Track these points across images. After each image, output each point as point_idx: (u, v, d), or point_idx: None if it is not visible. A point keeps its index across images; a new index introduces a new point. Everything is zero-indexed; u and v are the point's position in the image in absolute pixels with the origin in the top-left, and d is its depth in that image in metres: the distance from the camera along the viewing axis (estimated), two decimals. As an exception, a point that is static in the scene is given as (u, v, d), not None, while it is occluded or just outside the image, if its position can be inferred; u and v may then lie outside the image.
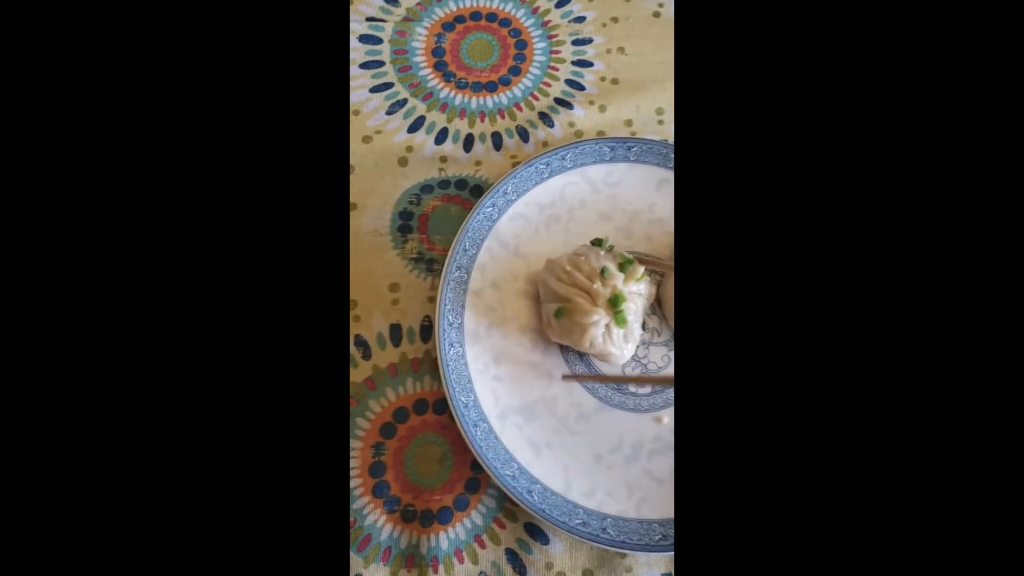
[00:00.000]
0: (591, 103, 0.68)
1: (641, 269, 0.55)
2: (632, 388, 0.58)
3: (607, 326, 0.54)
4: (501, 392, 0.56)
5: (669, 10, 0.74)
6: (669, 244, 0.62)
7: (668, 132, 0.69)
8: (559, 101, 0.67)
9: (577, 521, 0.52)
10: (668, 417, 0.57)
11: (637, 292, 0.56)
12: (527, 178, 0.60)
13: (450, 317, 0.56)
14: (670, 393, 0.58)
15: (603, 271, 0.53)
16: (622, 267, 0.54)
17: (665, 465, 0.56)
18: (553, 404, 0.56)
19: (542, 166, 0.60)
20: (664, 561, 0.53)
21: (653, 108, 0.69)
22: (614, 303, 0.53)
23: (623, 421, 0.57)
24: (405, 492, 0.53)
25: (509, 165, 0.63)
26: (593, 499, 0.53)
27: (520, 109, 0.67)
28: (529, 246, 0.60)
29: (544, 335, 0.57)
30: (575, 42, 0.71)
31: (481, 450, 0.52)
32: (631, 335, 0.55)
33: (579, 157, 0.62)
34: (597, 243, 0.57)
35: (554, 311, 0.54)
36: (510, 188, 0.59)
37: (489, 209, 0.58)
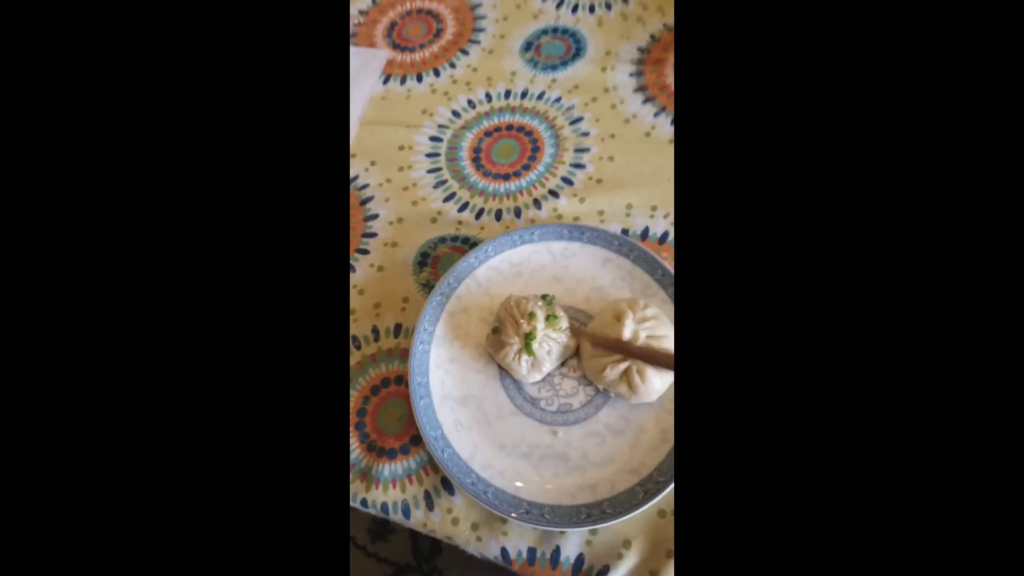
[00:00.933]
0: (574, 195, 0.91)
1: (564, 323, 0.76)
2: (543, 404, 0.78)
3: (518, 351, 0.75)
4: (447, 382, 0.80)
5: (659, 132, 0.94)
6: (602, 308, 0.81)
7: (632, 223, 0.88)
8: (551, 192, 0.92)
9: (469, 481, 0.73)
10: (562, 432, 0.76)
11: (555, 339, 0.76)
12: (504, 243, 0.85)
13: (427, 324, 0.82)
14: (568, 416, 0.77)
15: (531, 315, 0.76)
16: (549, 318, 0.76)
17: (548, 470, 0.74)
18: (482, 400, 0.79)
19: (517, 237, 0.85)
20: (532, 533, 0.71)
21: (623, 203, 0.89)
22: (527, 337, 0.75)
23: (528, 426, 0.77)
24: (374, 432, 0.79)
25: (502, 233, 0.88)
26: (487, 471, 0.74)
27: (522, 195, 0.92)
28: (497, 289, 0.84)
29: (489, 356, 0.81)
30: (577, 150, 0.95)
31: (421, 417, 0.76)
32: (539, 366, 0.76)
33: (545, 234, 0.85)
34: (544, 297, 0.79)
35: (492, 328, 0.78)
36: (491, 248, 0.85)
37: (472, 260, 0.84)
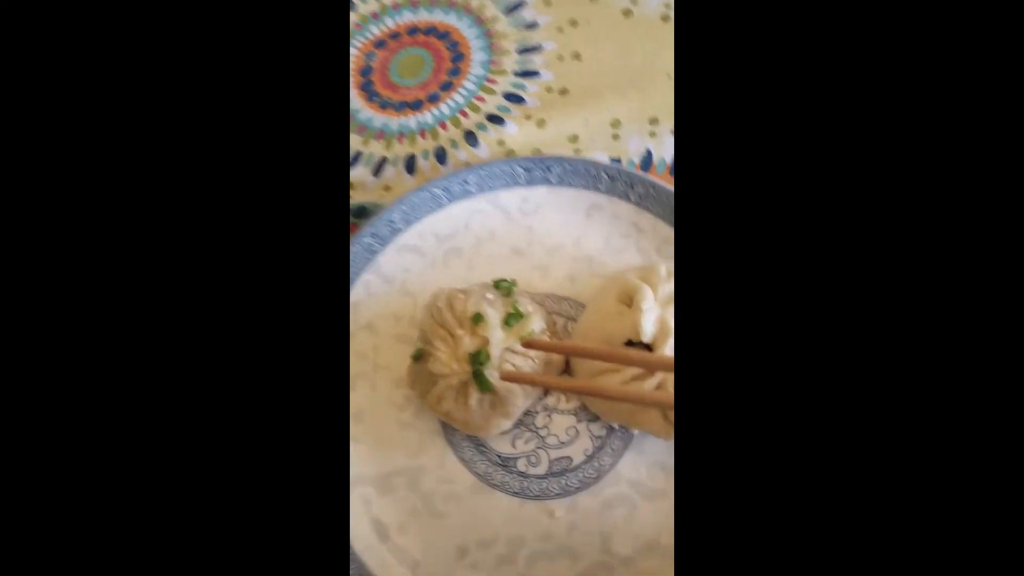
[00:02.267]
0: (528, 118, 0.58)
1: (537, 324, 0.44)
2: (522, 467, 0.46)
3: (463, 384, 0.43)
4: (354, 456, 0.47)
5: (644, 8, 0.62)
6: (598, 290, 0.49)
7: (624, 149, 0.56)
8: (491, 118, 0.59)
9: (408, 635, 0.41)
10: (563, 510, 0.44)
11: (527, 354, 0.44)
12: (419, 205, 0.52)
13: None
14: (570, 479, 0.45)
15: (476, 318, 0.43)
16: (509, 319, 0.44)
17: (549, 573, 0.42)
18: (417, 476, 0.46)
19: (439, 191, 0.52)
20: None
21: (607, 120, 0.57)
22: (473, 359, 0.42)
23: (504, 509, 0.45)
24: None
25: (416, 188, 0.55)
26: (440, 608, 0.42)
27: (444, 128, 0.59)
28: (420, 283, 0.51)
29: (423, 390, 0.48)
30: (521, 51, 0.62)
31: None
32: (503, 404, 0.43)
33: (486, 181, 0.52)
34: (497, 285, 0.47)
35: (414, 352, 0.45)
36: (397, 216, 0.51)
37: (368, 240, 0.51)
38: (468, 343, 0.42)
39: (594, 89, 0.59)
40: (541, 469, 0.45)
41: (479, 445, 0.47)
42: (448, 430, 0.47)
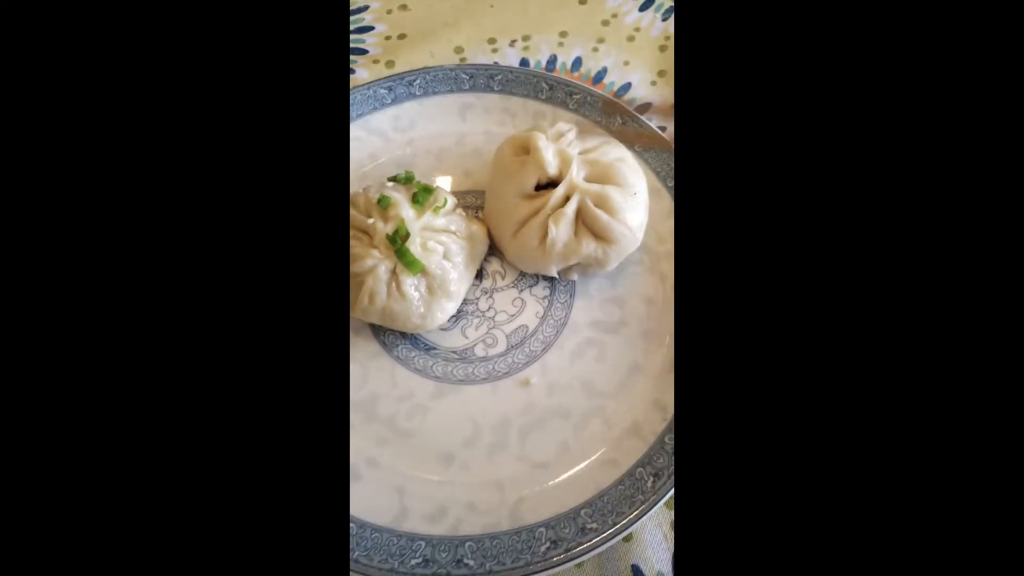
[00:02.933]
0: (375, 62, 0.59)
1: (447, 198, 0.42)
2: (480, 351, 0.42)
3: (392, 274, 0.39)
4: None
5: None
6: (492, 165, 0.49)
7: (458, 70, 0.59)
8: (338, 72, 0.59)
9: (415, 561, 0.34)
10: (537, 376, 0.41)
11: (446, 229, 0.42)
12: (289, 146, 0.49)
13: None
14: (532, 344, 0.42)
15: (381, 200, 0.40)
16: (416, 197, 0.41)
17: (545, 441, 0.39)
18: (372, 405, 0.40)
19: (306, 128, 0.50)
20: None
21: (451, 48, 0.60)
22: (392, 238, 0.39)
23: (476, 399, 0.40)
24: None
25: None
26: (443, 521, 0.36)
27: (294, 92, 0.58)
28: (313, 223, 0.48)
29: (351, 319, 0.43)
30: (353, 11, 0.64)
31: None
32: (442, 286, 0.40)
33: (353, 108, 0.51)
34: (393, 179, 0.45)
35: None
36: None
37: None
38: (382, 227, 0.39)
39: (429, 28, 0.62)
40: (500, 347, 0.42)
41: (429, 349, 0.42)
42: (390, 346, 0.42)
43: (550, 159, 0.41)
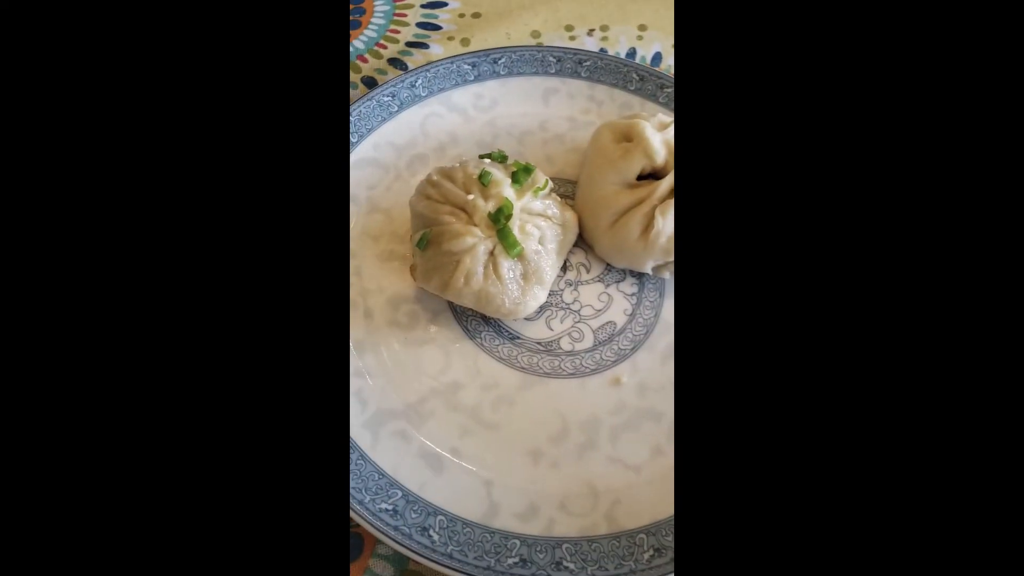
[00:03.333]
0: (450, 39, 0.57)
1: (545, 179, 0.40)
2: (566, 344, 0.40)
3: (491, 255, 0.37)
4: (369, 392, 0.38)
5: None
6: (577, 162, 0.47)
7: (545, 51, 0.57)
8: (412, 44, 0.56)
9: (512, 560, 0.32)
10: (627, 375, 0.39)
11: (543, 214, 0.40)
12: (369, 115, 0.46)
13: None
14: (621, 341, 0.41)
15: (482, 176, 0.38)
16: (516, 176, 0.39)
17: (637, 444, 0.37)
18: (455, 393, 0.38)
19: (387, 98, 0.47)
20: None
21: (527, 31, 0.58)
22: (496, 217, 0.37)
23: (563, 394, 0.38)
24: None
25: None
26: (535, 521, 0.34)
27: (365, 61, 0.55)
28: (389, 197, 0.45)
29: (430, 300, 0.41)
30: (422, -12, 0.61)
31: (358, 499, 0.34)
32: (536, 272, 0.38)
33: (434, 82, 0.49)
34: (485, 156, 0.42)
35: (416, 241, 0.38)
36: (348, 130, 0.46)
37: None
38: (483, 205, 0.37)
39: (505, 10, 0.60)
40: (587, 342, 0.40)
41: (513, 338, 0.40)
42: (472, 332, 0.40)
43: (658, 147, 0.39)
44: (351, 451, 0.35)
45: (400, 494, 0.33)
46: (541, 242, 0.39)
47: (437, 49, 0.56)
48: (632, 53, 0.57)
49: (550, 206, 0.40)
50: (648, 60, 0.56)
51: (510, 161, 0.41)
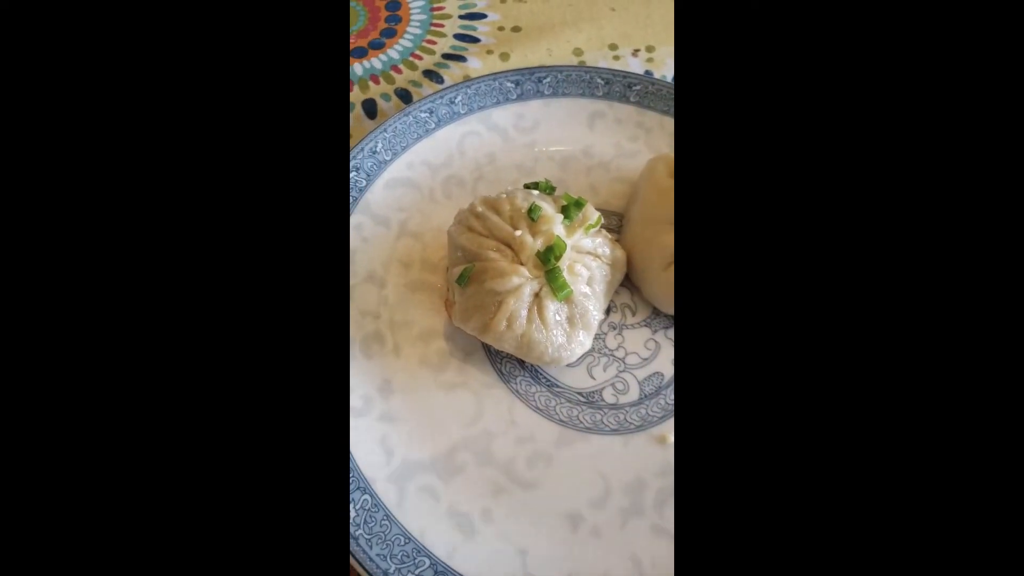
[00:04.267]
0: (489, 53, 0.54)
1: (598, 215, 0.37)
2: (610, 396, 0.37)
3: (536, 297, 0.34)
4: (395, 439, 0.34)
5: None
6: (623, 193, 0.44)
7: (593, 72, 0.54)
8: (448, 56, 0.53)
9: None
10: (675, 433, 0.36)
11: (593, 252, 0.37)
12: (404, 132, 0.43)
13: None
14: (669, 395, 0.37)
15: (532, 210, 0.35)
16: (566, 211, 0.36)
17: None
18: (487, 444, 0.35)
19: (424, 115, 0.44)
20: None
21: (569, 48, 0.55)
22: (546, 256, 0.34)
23: (606, 452, 0.35)
24: None
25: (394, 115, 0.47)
26: (575, 598, 0.31)
27: (399, 71, 0.52)
28: (422, 221, 0.42)
29: (462, 338, 0.38)
30: (461, -3, 0.58)
31: (362, 544, 0.30)
32: (583, 316, 0.35)
33: (474, 99, 0.46)
34: (532, 186, 0.39)
35: (457, 275, 0.35)
36: (380, 146, 0.42)
37: (352, 175, 0.41)
38: (531, 242, 0.34)
39: (547, 24, 0.57)
40: (633, 395, 0.37)
41: (552, 386, 0.37)
42: (507, 376, 0.37)
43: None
44: (376, 510, 0.31)
45: (428, 563, 0.30)
46: (589, 283, 0.36)
47: (475, 63, 0.53)
48: (679, 78, 0.54)
49: (601, 244, 0.37)
50: (696, 86, 0.53)
51: (558, 192, 0.38)
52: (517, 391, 0.36)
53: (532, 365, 0.37)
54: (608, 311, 0.40)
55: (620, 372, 0.38)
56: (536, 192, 0.37)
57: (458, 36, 0.55)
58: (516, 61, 0.53)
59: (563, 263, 0.34)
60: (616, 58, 0.55)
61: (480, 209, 0.35)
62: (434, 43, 0.54)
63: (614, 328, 0.39)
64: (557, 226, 0.34)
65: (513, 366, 0.37)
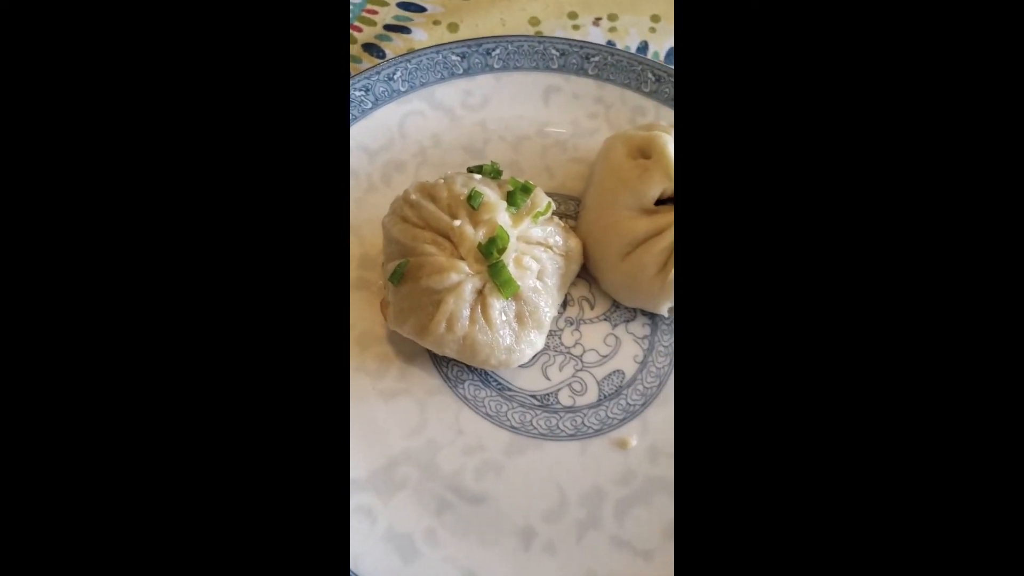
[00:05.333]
0: (436, 23, 0.49)
1: (548, 201, 0.34)
2: (566, 398, 0.34)
3: (479, 295, 0.31)
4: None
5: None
6: (581, 175, 0.41)
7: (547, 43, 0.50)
8: (391, 28, 0.49)
9: None
10: (637, 437, 0.34)
11: (544, 243, 0.34)
12: (337, 111, 0.39)
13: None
14: (630, 395, 0.35)
15: (472, 197, 0.32)
16: (512, 198, 0.33)
17: (648, 522, 0.31)
18: (432, 456, 0.32)
19: (359, 93, 0.40)
20: None
21: (525, 17, 0.51)
22: (488, 249, 0.30)
23: (561, 460, 0.32)
24: None
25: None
26: (527, 624, 0.28)
27: (335, 45, 0.48)
28: (359, 213, 0.38)
29: (404, 341, 0.34)
30: (405, -39, 0.53)
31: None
32: (533, 313, 0.32)
33: (416, 75, 0.42)
34: (476, 169, 0.36)
35: (389, 272, 0.31)
36: None
37: None
38: (472, 233, 0.30)
39: (501, -12, 0.53)
40: (591, 396, 0.34)
41: (503, 390, 0.34)
42: (455, 381, 0.34)
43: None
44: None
45: (361, 596, 0.27)
46: (540, 277, 0.33)
47: (420, 35, 0.48)
48: (644, 47, 0.50)
49: (552, 233, 0.34)
50: (661, 56, 0.49)
51: (505, 176, 0.35)
52: (465, 396, 0.33)
53: (485, 375, 0.34)
54: (564, 306, 0.37)
55: (577, 371, 0.35)
56: (479, 176, 0.33)
57: (402, 4, 0.50)
58: (466, 32, 0.49)
59: (509, 256, 0.31)
60: (576, 27, 0.51)
61: (414, 197, 0.32)
62: (375, 12, 0.49)
63: (571, 324, 0.36)
64: (501, 214, 0.31)
65: (460, 369, 0.34)
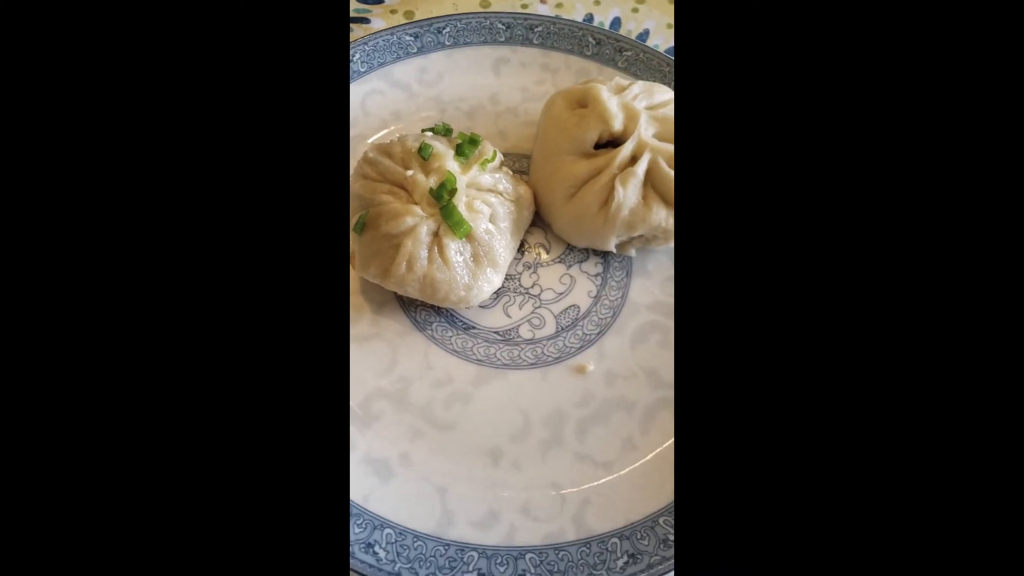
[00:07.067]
0: (393, 12, 0.53)
1: (494, 150, 0.37)
2: (526, 332, 0.37)
3: (435, 236, 0.34)
4: None
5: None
6: (532, 136, 0.44)
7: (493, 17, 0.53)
8: (352, 20, 0.52)
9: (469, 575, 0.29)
10: (594, 362, 0.36)
11: (493, 189, 0.36)
12: (300, 93, 0.42)
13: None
14: (586, 325, 0.37)
15: (422, 149, 0.34)
16: (460, 148, 0.36)
17: (607, 437, 0.34)
18: (404, 390, 0.35)
19: (320, 74, 0.43)
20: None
21: (476, 2, 0.54)
22: (439, 193, 0.33)
23: (524, 387, 0.35)
24: None
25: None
26: (495, 528, 0.30)
27: (300, 39, 0.51)
28: (328, 182, 0.41)
29: (374, 292, 0.37)
30: (362, -41, 0.57)
31: (275, 497, 0.30)
32: (488, 253, 0.34)
33: (373, 55, 0.45)
34: (428, 129, 0.38)
35: (354, 224, 0.34)
36: None
37: None
38: (423, 180, 0.33)
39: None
40: (549, 328, 0.37)
41: (468, 328, 0.37)
42: (423, 324, 0.37)
43: (615, 111, 0.36)
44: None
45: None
46: (492, 220, 0.35)
47: (379, 23, 0.52)
48: (589, 19, 0.53)
49: (500, 180, 0.36)
50: (607, 26, 0.52)
51: (455, 134, 0.38)
52: (433, 336, 0.36)
53: (448, 311, 0.37)
54: (522, 251, 0.39)
55: (536, 308, 0.38)
56: (430, 134, 0.36)
57: (360, -2, 0.54)
58: (421, 17, 0.53)
59: (460, 200, 0.34)
60: (524, 6, 0.54)
61: (372, 155, 0.35)
62: (337, 8, 0.53)
63: (528, 268, 0.39)
64: (449, 162, 0.34)
65: (428, 314, 0.37)
